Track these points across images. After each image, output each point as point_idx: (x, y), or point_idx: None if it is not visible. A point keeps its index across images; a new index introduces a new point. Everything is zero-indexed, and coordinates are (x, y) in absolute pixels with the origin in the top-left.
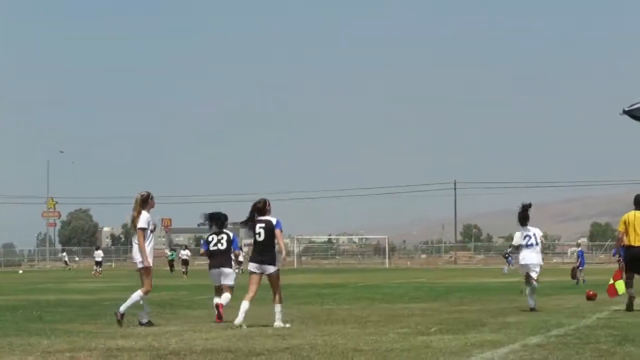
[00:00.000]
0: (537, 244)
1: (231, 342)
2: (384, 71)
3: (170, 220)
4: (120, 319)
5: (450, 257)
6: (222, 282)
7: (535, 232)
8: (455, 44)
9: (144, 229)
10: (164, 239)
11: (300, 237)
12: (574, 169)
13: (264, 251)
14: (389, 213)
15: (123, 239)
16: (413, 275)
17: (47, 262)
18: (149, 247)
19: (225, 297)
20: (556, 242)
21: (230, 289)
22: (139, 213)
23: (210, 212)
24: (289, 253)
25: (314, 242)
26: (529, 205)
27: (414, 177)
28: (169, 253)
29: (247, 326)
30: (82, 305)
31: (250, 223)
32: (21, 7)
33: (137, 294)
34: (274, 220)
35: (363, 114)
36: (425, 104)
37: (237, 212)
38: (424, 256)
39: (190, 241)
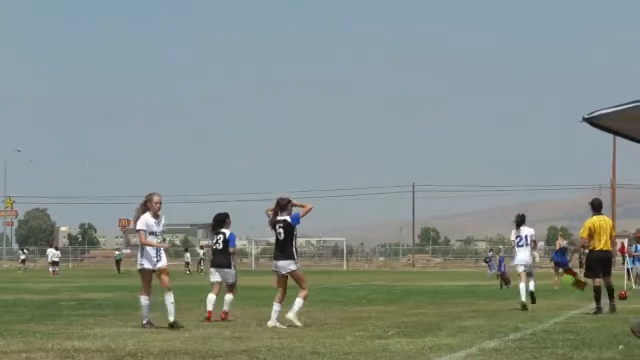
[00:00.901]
0: (527, 244)
1: (188, 344)
2: (344, 73)
3: (128, 220)
4: (175, 325)
5: (408, 259)
6: (222, 281)
7: (526, 233)
8: (416, 46)
9: (139, 230)
10: (121, 239)
11: (258, 239)
12: (531, 173)
13: (284, 250)
14: (347, 215)
15: (80, 239)
16: (371, 277)
17: (4, 262)
18: (144, 249)
19: (228, 298)
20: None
21: (232, 287)
22: (138, 217)
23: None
24: (246, 255)
25: (271, 244)
26: (523, 216)
27: (372, 180)
28: (116, 253)
29: (285, 326)
30: (39, 305)
31: (272, 222)
32: None
33: (169, 297)
34: (289, 218)
35: (321, 116)
36: (384, 106)
37: (196, 212)
38: (381, 259)
39: None
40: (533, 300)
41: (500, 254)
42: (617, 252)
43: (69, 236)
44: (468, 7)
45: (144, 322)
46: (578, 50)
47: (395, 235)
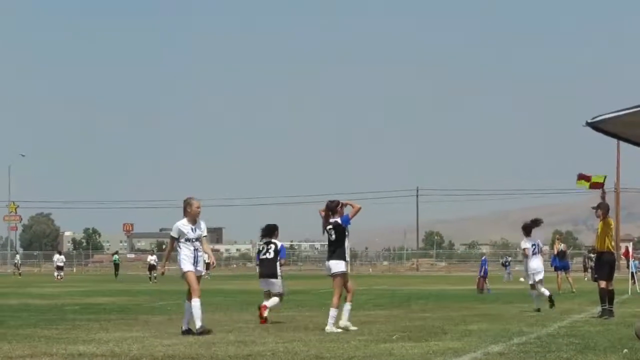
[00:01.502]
0: (540, 251)
1: (192, 349)
2: (347, 76)
3: (132, 225)
4: (205, 331)
5: (412, 264)
6: (270, 290)
7: (538, 241)
8: (420, 49)
9: (171, 237)
10: (125, 244)
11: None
12: (534, 177)
13: (335, 251)
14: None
15: (84, 244)
16: (375, 282)
17: (8, 267)
18: (180, 254)
19: (272, 301)
20: (518, 249)
21: (280, 296)
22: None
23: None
24: (250, 259)
25: None
26: (539, 221)
27: (376, 184)
28: (114, 257)
29: (340, 329)
30: (44, 310)
31: (325, 225)
32: None
33: (196, 303)
34: (339, 220)
35: (325, 121)
36: (388, 110)
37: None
38: (386, 263)
39: (153, 246)
40: (554, 304)
41: (484, 257)
42: (622, 256)
43: (73, 241)
44: (472, 10)
45: (184, 328)
46: (582, 54)
47: (399, 240)
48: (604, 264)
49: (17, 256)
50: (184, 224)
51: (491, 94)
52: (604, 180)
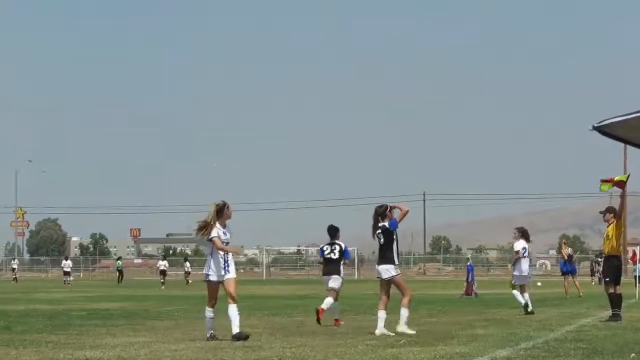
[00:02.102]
0: (529, 255)
1: (200, 354)
2: (354, 83)
3: (139, 230)
4: (241, 337)
5: (419, 268)
6: (332, 286)
7: (527, 245)
8: (423, 57)
9: (214, 237)
10: (132, 249)
11: (269, 248)
12: (542, 182)
13: (385, 255)
14: (358, 224)
15: (92, 249)
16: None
17: (16, 272)
18: (210, 259)
19: (327, 302)
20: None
21: (336, 292)
22: (209, 225)
23: (329, 225)
24: (257, 264)
25: (282, 253)
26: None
27: (383, 188)
28: (118, 262)
29: (394, 333)
30: (51, 316)
31: (374, 229)
32: None
33: (233, 309)
34: (387, 224)
35: (331, 125)
36: (394, 115)
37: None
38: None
39: (160, 251)
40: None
41: (469, 263)
42: (629, 260)
43: (81, 246)
44: (477, 12)
45: (208, 335)
46: (586, 58)
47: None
48: (613, 268)
49: (14, 261)
50: (218, 227)
51: (498, 98)
52: (627, 179)
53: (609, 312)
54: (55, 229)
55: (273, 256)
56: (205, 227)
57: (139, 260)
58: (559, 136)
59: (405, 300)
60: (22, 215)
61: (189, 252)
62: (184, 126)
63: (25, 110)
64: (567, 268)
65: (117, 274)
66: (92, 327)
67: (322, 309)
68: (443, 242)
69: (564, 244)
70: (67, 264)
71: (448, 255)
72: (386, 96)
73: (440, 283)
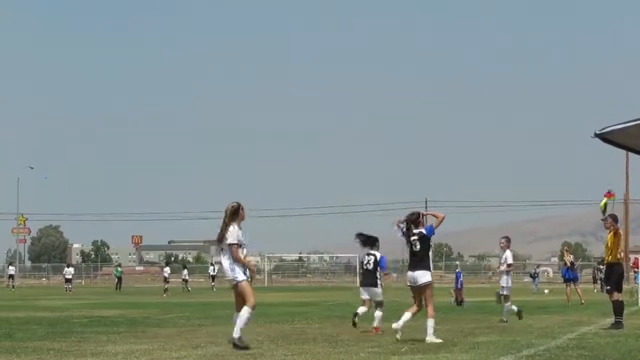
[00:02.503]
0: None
1: None
2: (355, 89)
3: (140, 237)
4: (240, 345)
5: None
6: (371, 298)
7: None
8: (427, 61)
9: (235, 244)
10: (134, 256)
11: (270, 255)
12: (542, 189)
13: (419, 261)
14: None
15: (93, 256)
16: (384, 294)
17: (17, 279)
18: (232, 262)
19: (378, 315)
20: (527, 261)
21: (380, 304)
22: (227, 226)
23: (362, 234)
24: (259, 271)
25: (284, 260)
26: None
27: (385, 195)
28: (118, 269)
29: (399, 339)
30: (52, 323)
31: (407, 236)
32: None
33: (245, 312)
34: (424, 230)
35: (333, 131)
36: (396, 122)
37: (209, 229)
38: (394, 274)
39: (161, 258)
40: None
41: (458, 270)
42: (632, 267)
43: (82, 253)
44: (478, 19)
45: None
46: (588, 65)
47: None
48: (614, 276)
49: (11, 267)
50: (238, 229)
51: (500, 105)
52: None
53: (612, 320)
54: (56, 235)
55: (275, 263)
56: (223, 233)
57: (141, 268)
58: (560, 143)
59: (430, 310)
60: (24, 222)
61: (190, 259)
62: (185, 133)
63: (27, 117)
64: (569, 275)
65: (116, 280)
66: (93, 334)
67: (377, 328)
68: (445, 249)
69: (566, 251)
70: (68, 271)
71: (449, 262)
72: (388, 102)
73: (442, 290)
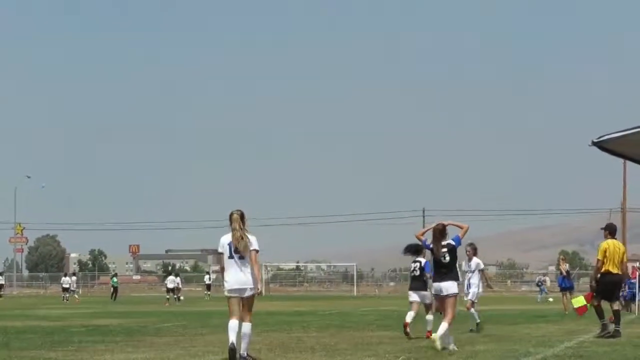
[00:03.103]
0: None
1: None
2: (354, 98)
3: (138, 246)
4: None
5: None
6: (421, 301)
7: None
8: (426, 69)
9: (258, 250)
10: (131, 265)
11: (268, 264)
12: (540, 198)
13: (448, 272)
14: (357, 240)
15: (90, 265)
16: (381, 303)
17: (14, 289)
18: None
19: (429, 319)
20: (524, 270)
21: (429, 307)
22: (244, 232)
23: (409, 244)
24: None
25: (282, 269)
26: None
27: (382, 204)
28: (114, 279)
29: (442, 348)
30: (50, 332)
31: (437, 247)
32: None
33: (250, 328)
34: (452, 241)
35: (330, 141)
36: (393, 131)
37: (206, 238)
38: (392, 284)
39: (158, 267)
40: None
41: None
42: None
43: (79, 262)
44: (478, 28)
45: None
46: (587, 74)
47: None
48: (607, 284)
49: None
50: (253, 236)
51: (498, 114)
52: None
53: (611, 328)
54: (54, 245)
55: (272, 272)
56: (242, 238)
57: (138, 277)
58: (558, 152)
59: (449, 317)
60: (21, 231)
61: (188, 268)
62: (183, 142)
63: (24, 126)
64: (566, 284)
65: (112, 290)
66: (90, 343)
67: (407, 323)
68: None
69: (562, 260)
70: (66, 280)
71: None
72: (385, 111)
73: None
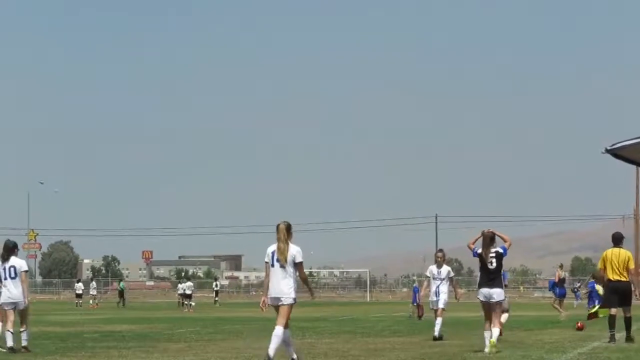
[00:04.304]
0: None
1: None
2: (367, 105)
3: (151, 252)
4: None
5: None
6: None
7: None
8: (433, 78)
9: (302, 262)
10: (144, 271)
11: None
12: (554, 204)
13: (496, 279)
14: (370, 246)
15: (104, 271)
16: (394, 308)
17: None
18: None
19: (504, 317)
20: (537, 276)
21: (505, 311)
22: (288, 243)
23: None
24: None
25: None
26: None
27: (395, 211)
28: (121, 283)
29: (497, 351)
30: (63, 338)
31: (486, 254)
32: None
33: (286, 332)
34: (500, 249)
35: (343, 147)
36: (407, 138)
37: (219, 245)
38: (405, 290)
39: (171, 273)
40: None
41: (415, 285)
42: None
43: (92, 268)
44: (489, 37)
45: (294, 356)
46: (600, 80)
47: (418, 266)
48: (610, 291)
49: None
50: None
51: (510, 120)
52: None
53: (623, 334)
54: (67, 251)
55: None
56: (285, 249)
57: (151, 283)
58: (572, 158)
59: (496, 322)
60: (34, 237)
61: (201, 274)
62: (197, 148)
63: (37, 132)
64: (560, 292)
65: (118, 296)
66: (104, 349)
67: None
68: (455, 264)
69: (559, 268)
70: (79, 286)
71: (460, 277)
72: (399, 119)
73: (453, 305)
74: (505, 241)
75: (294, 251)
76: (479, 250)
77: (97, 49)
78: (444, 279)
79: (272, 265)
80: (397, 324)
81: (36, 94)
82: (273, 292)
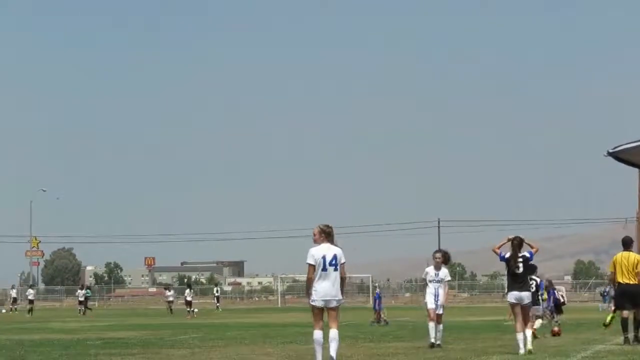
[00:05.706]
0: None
1: None
2: (368, 107)
3: (153, 259)
4: None
5: None
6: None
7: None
8: (435, 82)
9: (344, 263)
10: (147, 278)
11: (284, 275)
12: (556, 207)
13: (523, 283)
14: (372, 251)
15: (106, 278)
16: (397, 313)
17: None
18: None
19: (538, 322)
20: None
21: (539, 317)
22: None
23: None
24: (272, 292)
25: (297, 280)
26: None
27: (397, 215)
28: (82, 292)
29: (529, 352)
30: (66, 345)
31: (514, 258)
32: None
33: (335, 333)
34: (527, 254)
35: (345, 151)
36: (409, 140)
37: (221, 251)
38: (407, 294)
39: (174, 279)
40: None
41: (377, 291)
42: None
43: (95, 275)
44: (489, 44)
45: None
46: (602, 84)
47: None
48: (621, 294)
49: (13, 291)
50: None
51: (512, 124)
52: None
53: (631, 335)
54: (69, 258)
55: (288, 284)
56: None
57: (154, 289)
58: (574, 162)
59: (530, 325)
60: (37, 244)
61: (203, 280)
62: (199, 154)
63: (39, 140)
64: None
65: (79, 304)
66: (107, 356)
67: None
68: (458, 268)
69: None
70: (81, 293)
71: (463, 281)
72: (401, 122)
73: (456, 310)
74: (532, 248)
75: (341, 253)
76: (507, 255)
77: (99, 57)
78: (440, 282)
79: (324, 269)
80: (399, 329)
81: (38, 101)
82: (325, 294)
